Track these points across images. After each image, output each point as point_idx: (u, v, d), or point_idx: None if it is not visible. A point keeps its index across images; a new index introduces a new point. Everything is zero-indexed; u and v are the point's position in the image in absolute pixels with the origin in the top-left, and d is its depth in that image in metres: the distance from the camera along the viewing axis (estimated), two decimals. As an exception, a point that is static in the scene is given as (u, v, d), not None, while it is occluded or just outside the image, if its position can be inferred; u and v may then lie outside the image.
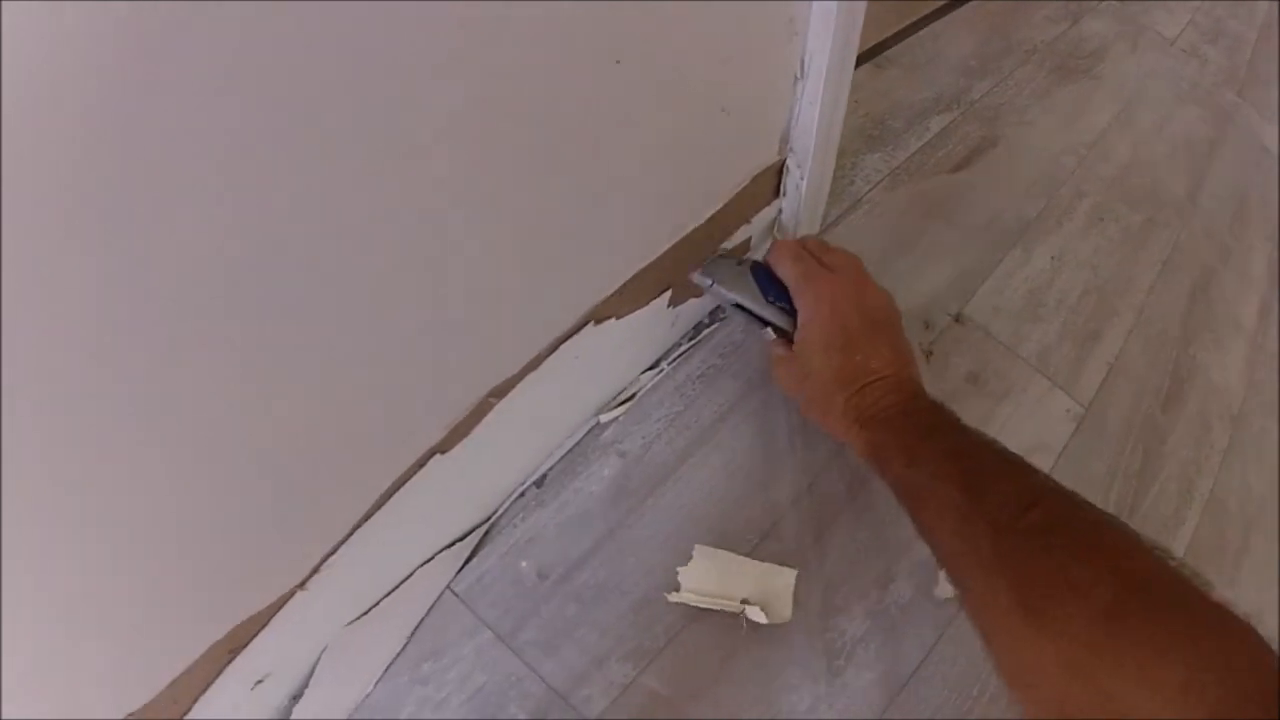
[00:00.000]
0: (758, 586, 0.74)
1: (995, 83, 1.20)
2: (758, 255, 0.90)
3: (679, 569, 0.73)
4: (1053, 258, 1.03)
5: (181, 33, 0.29)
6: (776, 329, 0.75)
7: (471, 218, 0.51)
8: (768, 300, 0.75)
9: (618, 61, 0.52)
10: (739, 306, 0.76)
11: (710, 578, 0.73)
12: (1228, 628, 0.45)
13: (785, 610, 0.73)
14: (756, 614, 0.72)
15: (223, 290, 0.38)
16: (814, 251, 0.75)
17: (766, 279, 0.76)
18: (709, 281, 0.77)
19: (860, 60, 1.14)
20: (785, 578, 0.75)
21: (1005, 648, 0.52)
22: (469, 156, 0.47)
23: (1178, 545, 0.89)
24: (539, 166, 0.53)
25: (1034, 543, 0.51)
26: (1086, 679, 0.45)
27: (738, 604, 0.72)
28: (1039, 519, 0.52)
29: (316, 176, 0.39)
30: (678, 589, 0.73)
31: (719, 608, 0.72)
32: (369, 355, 0.50)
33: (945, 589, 0.78)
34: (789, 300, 0.73)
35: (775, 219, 0.88)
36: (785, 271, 0.74)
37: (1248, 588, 0.90)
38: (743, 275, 0.76)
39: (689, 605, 0.72)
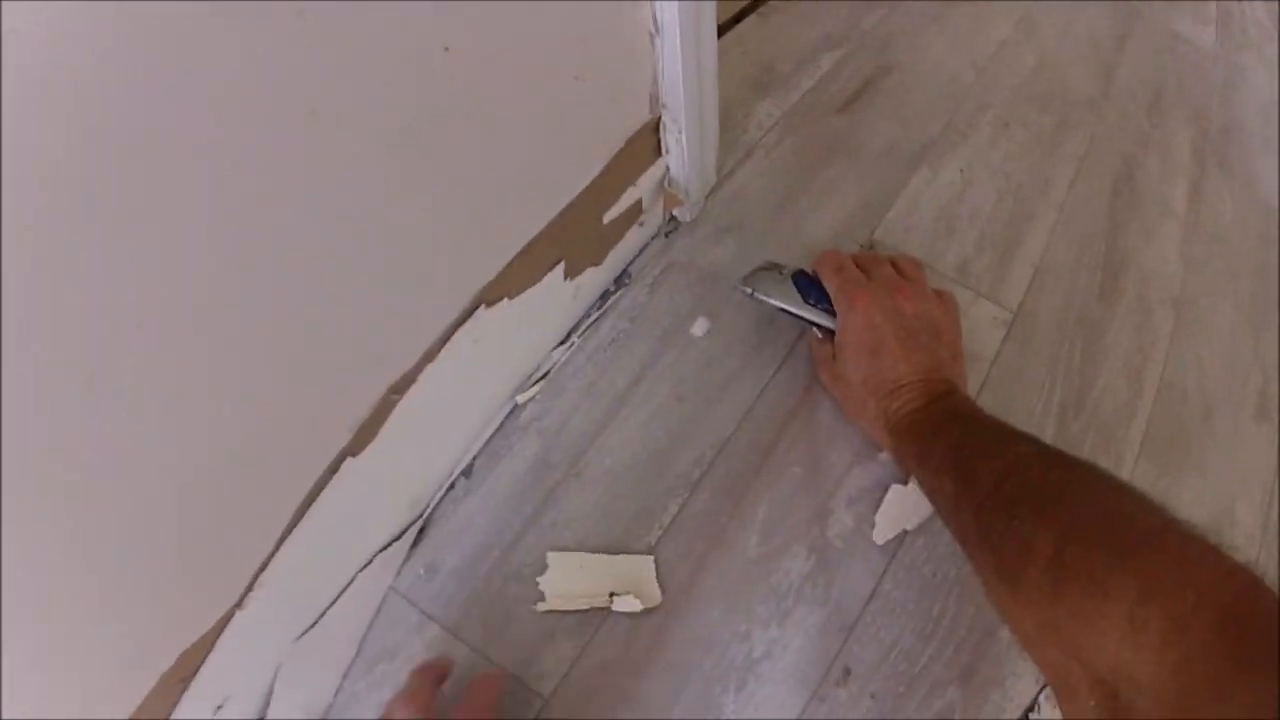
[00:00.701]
0: (620, 578, 0.74)
1: (886, 12, 1.21)
2: (687, 217, 0.93)
3: (538, 579, 0.73)
4: (961, 171, 1.03)
5: None
6: (821, 328, 0.80)
7: (334, 217, 0.51)
8: (808, 303, 0.79)
9: (446, 49, 0.52)
10: (783, 310, 0.80)
11: (572, 580, 0.74)
12: (1182, 550, 0.45)
13: (654, 593, 0.73)
14: (629, 603, 0.72)
15: (111, 307, 0.39)
16: (863, 264, 0.79)
17: (808, 285, 0.80)
18: (749, 290, 0.81)
19: (744, 13, 1.16)
20: (644, 565, 0.75)
21: (1009, 622, 0.55)
22: (317, 157, 0.47)
23: (1132, 439, 0.89)
24: (391, 162, 0.53)
25: (1002, 514, 0.54)
26: (1055, 634, 0.47)
27: (606, 598, 0.72)
28: (1010, 489, 0.55)
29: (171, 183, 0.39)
30: (543, 599, 0.73)
31: (587, 606, 0.72)
32: (260, 363, 0.51)
33: (884, 533, 0.78)
34: (830, 302, 0.78)
35: (664, 176, 0.89)
36: (827, 281, 0.78)
37: (1216, 474, 0.90)
38: (784, 282, 0.81)
39: (557, 611, 0.72)
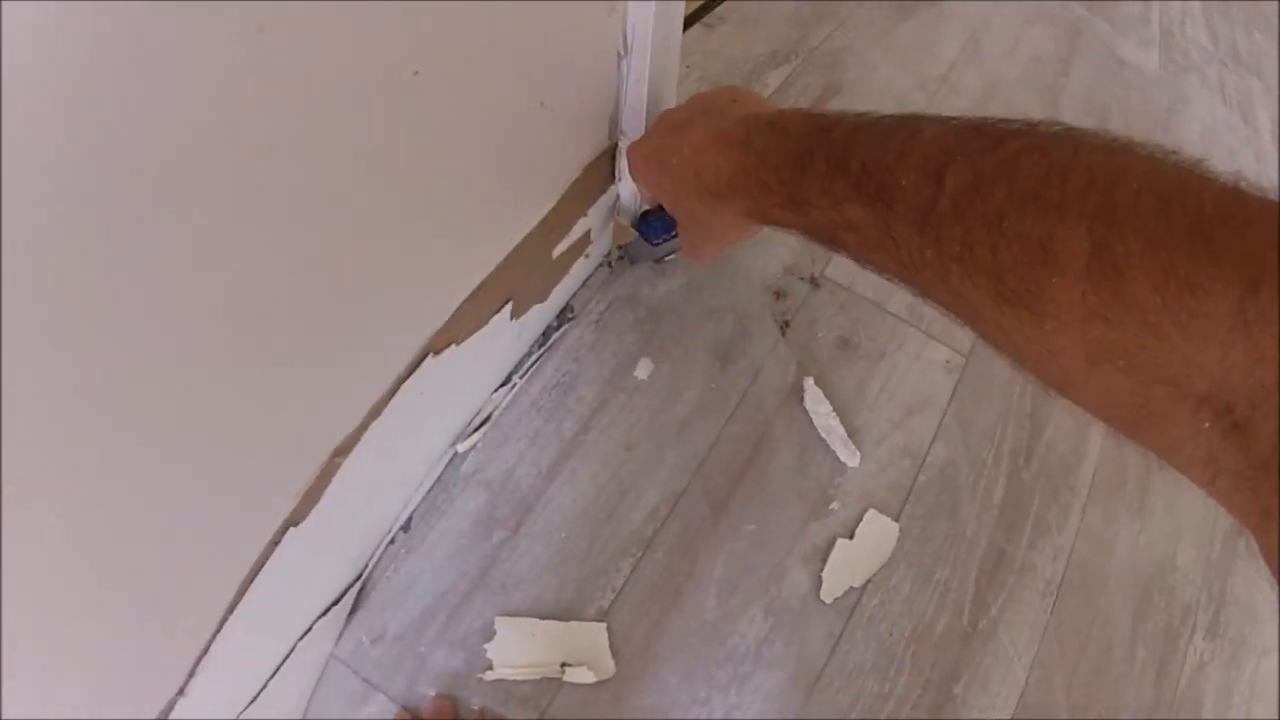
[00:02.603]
0: (572, 647, 0.76)
1: (833, 27, 1.25)
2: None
3: (486, 646, 0.74)
4: (913, 204, 1.07)
5: None
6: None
7: (279, 268, 0.49)
8: (654, 244, 0.87)
9: (416, 73, 0.51)
10: (658, 260, 0.92)
11: (521, 648, 0.75)
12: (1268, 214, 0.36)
13: (607, 664, 0.75)
14: (582, 674, 0.74)
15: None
16: (658, 133, 0.74)
17: (652, 224, 0.88)
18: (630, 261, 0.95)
19: (688, 23, 1.18)
20: (595, 632, 0.77)
21: (1030, 364, 0.44)
22: (262, 199, 0.45)
23: (1079, 486, 0.95)
24: (340, 201, 0.52)
25: (977, 221, 0.42)
26: (1122, 357, 0.38)
27: (557, 668, 0.74)
28: (956, 188, 0.43)
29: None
30: (491, 667, 0.74)
31: (538, 676, 0.74)
32: (199, 440, 0.50)
33: (832, 591, 0.81)
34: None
35: (614, 203, 0.90)
36: (640, 184, 0.80)
37: (1156, 517, 0.96)
38: (637, 240, 0.90)
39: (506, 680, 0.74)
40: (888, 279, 0.52)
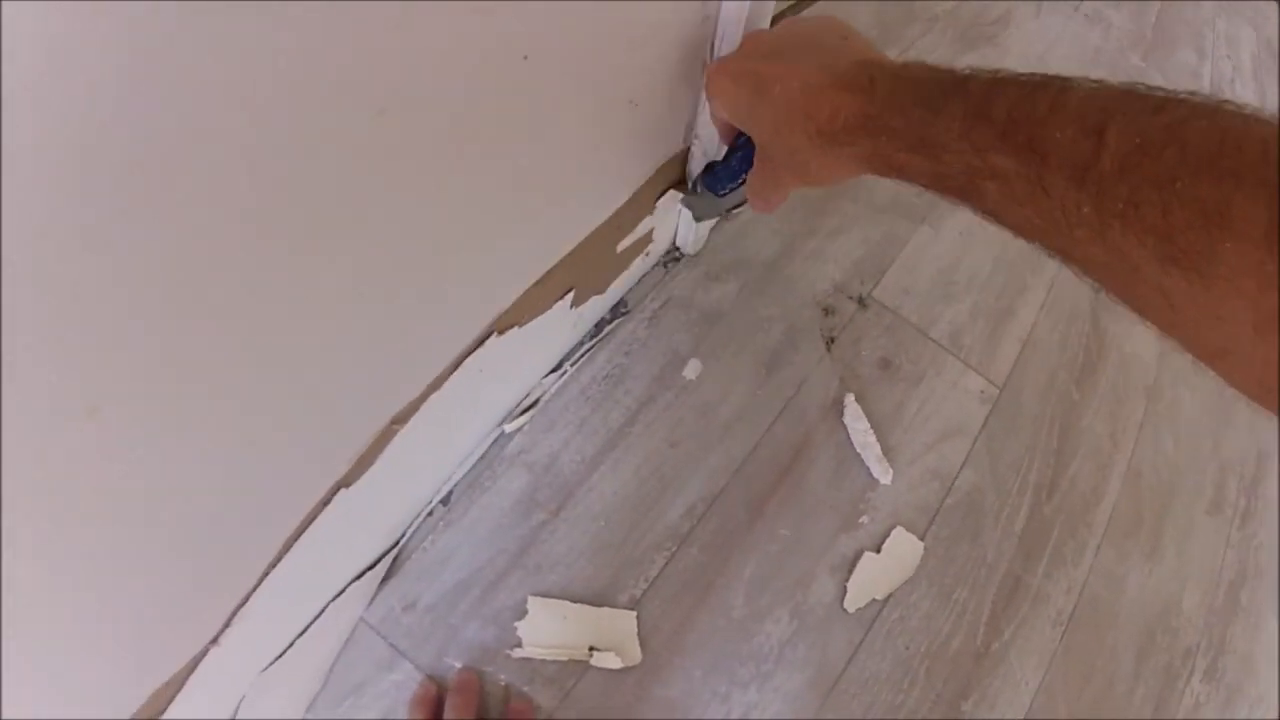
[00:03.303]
0: (601, 632, 0.78)
1: (898, 53, 1.27)
2: (691, 251, 0.96)
3: (517, 624, 0.76)
4: (961, 233, 1.10)
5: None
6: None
7: (373, 237, 0.51)
8: (720, 195, 0.79)
9: (525, 57, 0.52)
10: (727, 211, 0.82)
11: (552, 629, 0.77)
12: None
13: (635, 651, 0.78)
14: (609, 659, 0.76)
15: (115, 332, 0.38)
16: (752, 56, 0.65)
17: (720, 171, 0.79)
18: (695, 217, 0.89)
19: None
20: (626, 620, 0.79)
21: (1189, 334, 0.41)
22: (373, 168, 0.46)
23: (1096, 524, 0.98)
24: (443, 175, 0.53)
25: (1130, 182, 0.40)
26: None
27: (585, 652, 0.76)
28: (1121, 147, 0.41)
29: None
30: (520, 645, 0.76)
31: (565, 658, 0.76)
32: (269, 397, 0.51)
33: (855, 601, 0.84)
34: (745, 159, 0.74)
35: (678, 206, 0.92)
36: (721, 107, 0.68)
37: (1169, 563, 0.99)
38: (704, 196, 0.81)
39: (534, 659, 0.76)
40: (1023, 235, 0.48)
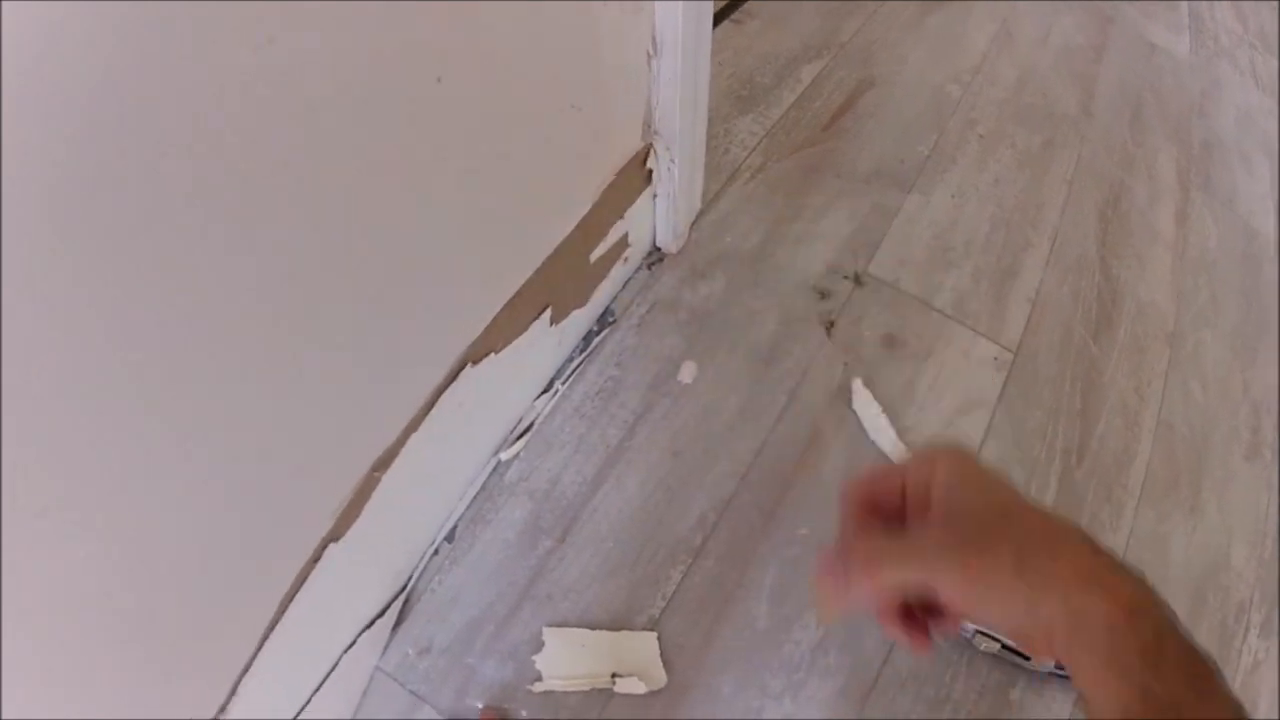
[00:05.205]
0: (622, 657, 0.75)
1: (863, 20, 1.24)
2: (673, 249, 0.94)
3: (534, 657, 0.73)
4: (953, 195, 1.06)
5: None
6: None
7: (312, 285, 0.48)
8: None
9: (439, 80, 0.50)
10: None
11: (571, 659, 0.74)
12: None
13: (659, 674, 0.74)
14: (633, 684, 0.73)
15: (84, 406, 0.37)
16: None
17: None
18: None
19: (717, 19, 1.17)
20: (647, 642, 0.75)
21: None
22: (280, 211, 0.44)
23: (1132, 485, 0.93)
24: (368, 214, 0.51)
25: None
26: None
27: (608, 679, 0.73)
28: None
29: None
30: (540, 678, 0.73)
31: (588, 687, 0.73)
32: (234, 464, 0.49)
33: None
34: None
35: (652, 207, 0.89)
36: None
37: (1211, 517, 0.95)
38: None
39: (556, 691, 0.73)
40: None
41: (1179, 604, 0.86)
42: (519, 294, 0.73)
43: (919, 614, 0.46)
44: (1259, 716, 0.86)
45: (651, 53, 0.74)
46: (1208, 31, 1.55)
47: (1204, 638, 0.85)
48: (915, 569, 0.41)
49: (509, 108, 0.59)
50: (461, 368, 0.69)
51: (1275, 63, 1.57)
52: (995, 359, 0.95)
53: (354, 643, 0.70)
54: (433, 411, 0.68)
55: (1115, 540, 0.89)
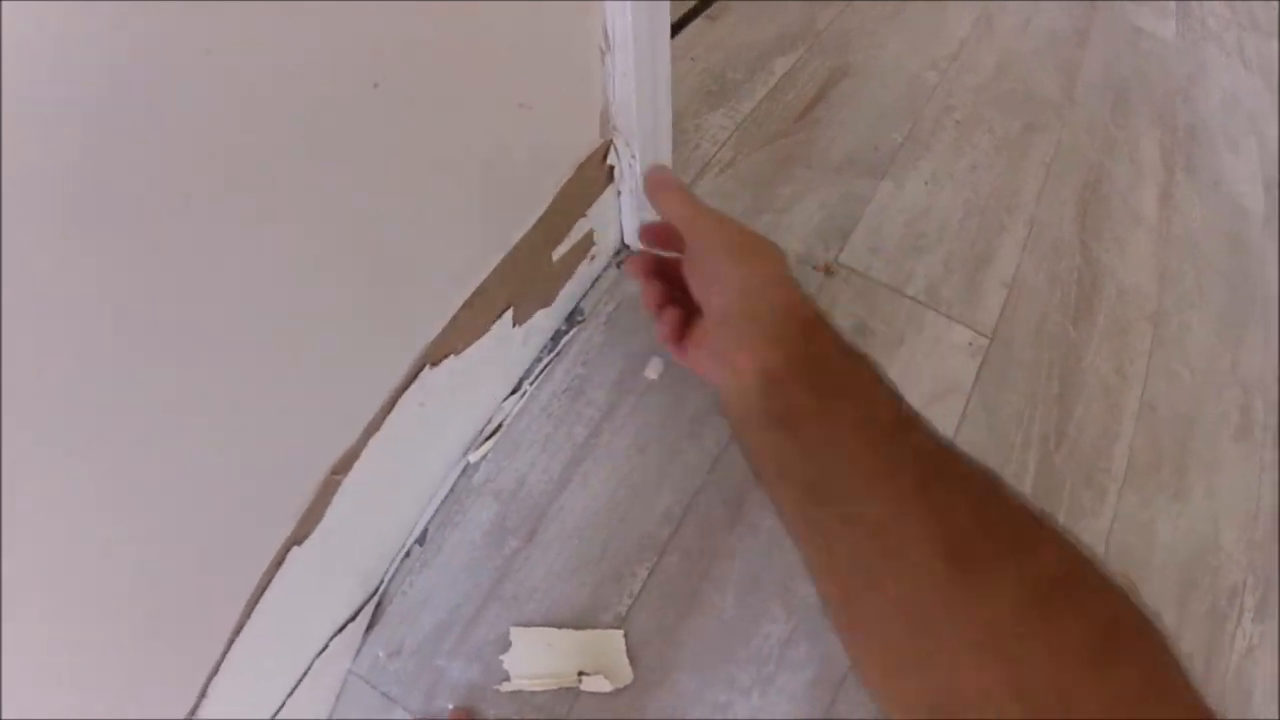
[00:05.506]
0: (588, 655, 0.74)
1: (841, 9, 1.23)
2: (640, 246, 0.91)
3: (502, 657, 0.73)
4: (926, 183, 1.06)
5: None
6: None
7: (261, 285, 0.49)
8: None
9: (375, 85, 0.50)
10: None
11: (537, 658, 0.74)
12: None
13: (625, 671, 0.74)
14: (600, 683, 0.72)
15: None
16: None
17: None
18: None
19: (690, 16, 1.16)
20: (613, 640, 0.75)
21: None
22: (245, 221, 0.45)
23: (1115, 469, 0.92)
24: (315, 216, 0.51)
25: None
26: None
27: (574, 678, 0.73)
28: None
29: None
30: (507, 678, 0.73)
31: (555, 686, 0.73)
32: (190, 468, 0.49)
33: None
34: None
35: (617, 204, 0.89)
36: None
37: (1195, 498, 0.93)
38: None
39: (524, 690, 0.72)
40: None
41: (1167, 588, 0.86)
42: (477, 294, 0.72)
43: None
44: (1254, 703, 0.84)
45: (604, 48, 0.74)
46: (1195, 15, 1.53)
47: (1195, 622, 0.85)
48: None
49: (450, 110, 0.59)
50: (420, 369, 0.69)
51: (1265, 43, 1.55)
52: (970, 345, 0.94)
53: (326, 646, 0.70)
54: (392, 414, 0.68)
55: (1099, 525, 0.88)
